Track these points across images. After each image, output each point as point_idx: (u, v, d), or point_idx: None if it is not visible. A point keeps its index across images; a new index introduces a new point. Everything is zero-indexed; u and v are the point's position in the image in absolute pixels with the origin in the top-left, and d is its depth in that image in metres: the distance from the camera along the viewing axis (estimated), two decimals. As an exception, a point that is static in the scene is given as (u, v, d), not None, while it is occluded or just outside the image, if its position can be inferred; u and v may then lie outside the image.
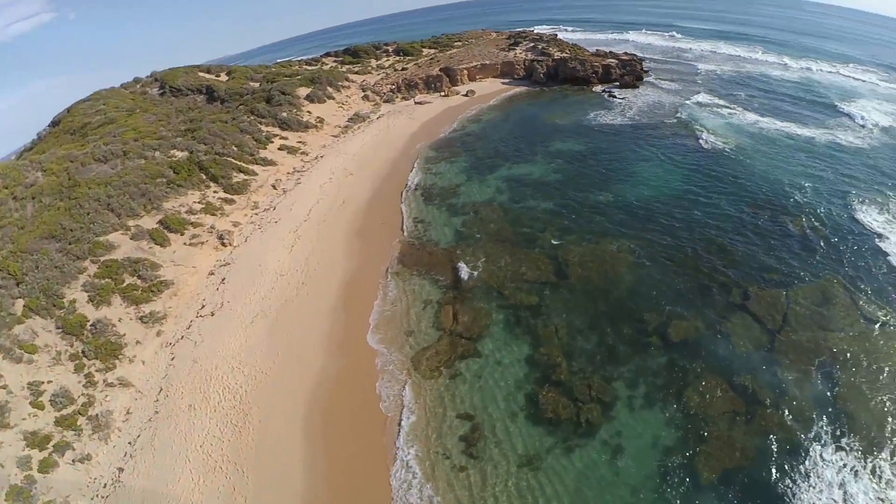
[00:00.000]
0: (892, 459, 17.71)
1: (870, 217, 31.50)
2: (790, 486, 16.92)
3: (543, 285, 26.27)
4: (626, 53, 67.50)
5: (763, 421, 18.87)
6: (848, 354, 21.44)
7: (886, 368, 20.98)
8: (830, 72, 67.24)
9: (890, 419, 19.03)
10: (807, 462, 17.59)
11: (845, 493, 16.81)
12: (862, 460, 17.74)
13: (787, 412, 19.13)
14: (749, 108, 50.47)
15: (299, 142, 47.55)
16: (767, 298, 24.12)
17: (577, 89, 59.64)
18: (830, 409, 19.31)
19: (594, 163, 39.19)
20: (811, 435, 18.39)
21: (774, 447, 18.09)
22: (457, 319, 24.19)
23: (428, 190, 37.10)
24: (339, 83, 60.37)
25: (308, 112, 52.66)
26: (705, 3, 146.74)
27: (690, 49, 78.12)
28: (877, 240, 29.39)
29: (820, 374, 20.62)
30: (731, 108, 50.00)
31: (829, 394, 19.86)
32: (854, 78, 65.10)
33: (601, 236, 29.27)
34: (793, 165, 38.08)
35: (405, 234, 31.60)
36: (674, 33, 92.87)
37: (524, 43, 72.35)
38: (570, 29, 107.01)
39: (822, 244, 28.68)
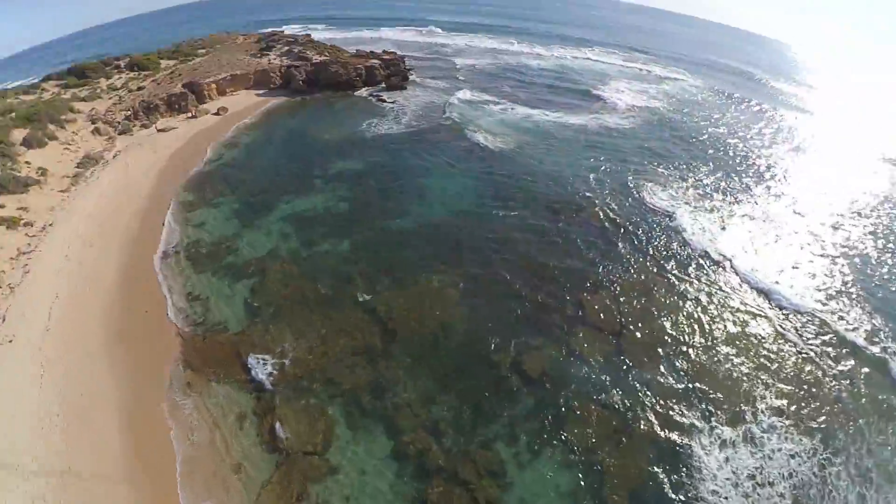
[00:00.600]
0: (756, 420, 20.49)
1: (656, 197, 36.36)
2: (689, 484, 17.95)
3: (373, 354, 22.55)
4: (387, 52, 65.37)
5: (641, 431, 19.62)
6: (684, 337, 24.18)
7: (719, 339, 24.43)
8: (579, 57, 77.64)
9: (739, 385, 22.05)
10: (692, 455, 18.91)
11: (734, 467, 18.70)
12: (735, 432, 19.93)
13: (658, 414, 20.32)
14: (518, 102, 54.48)
15: (20, 208, 32.96)
16: (598, 304, 25.66)
17: (341, 95, 55.49)
18: (691, 395, 21.21)
19: (380, 183, 36.53)
20: (686, 427, 19.92)
21: (662, 453, 18.96)
22: (287, 431, 18.94)
23: (193, 250, 29.08)
24: (63, 117, 44.53)
25: (27, 163, 37.09)
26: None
27: (449, 44, 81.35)
28: (668, 220, 34.80)
29: (669, 365, 22.55)
30: (500, 103, 52.79)
31: (684, 381, 21.85)
32: (601, 61, 76.20)
33: (414, 275, 27.17)
34: (574, 157, 43.19)
35: (178, 322, 22.91)
36: (432, 28, 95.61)
37: (278, 47, 65.14)
38: (321, 27, 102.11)
39: (623, 234, 32.26)
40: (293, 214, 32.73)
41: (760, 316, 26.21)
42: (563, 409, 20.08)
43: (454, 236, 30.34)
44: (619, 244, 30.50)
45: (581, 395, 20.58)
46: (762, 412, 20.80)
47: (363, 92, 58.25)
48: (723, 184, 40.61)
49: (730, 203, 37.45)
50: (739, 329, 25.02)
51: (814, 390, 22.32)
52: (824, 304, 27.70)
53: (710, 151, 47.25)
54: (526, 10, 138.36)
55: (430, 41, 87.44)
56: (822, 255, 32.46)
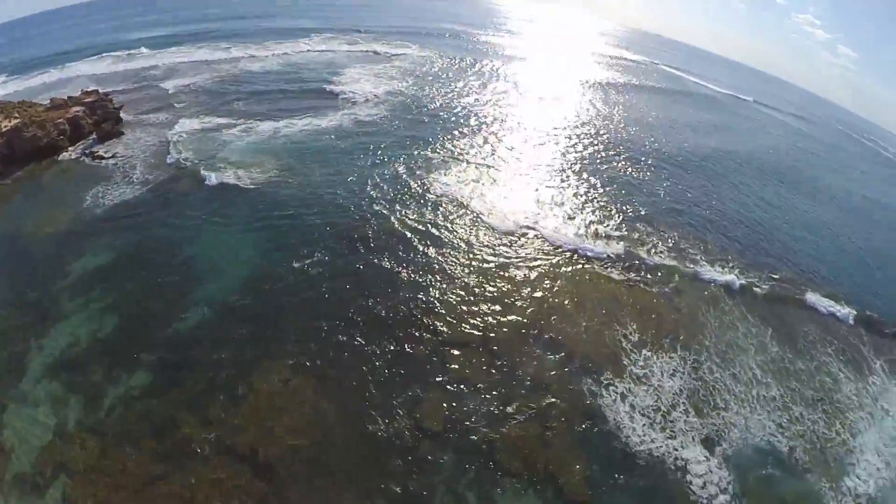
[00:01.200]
0: (632, 361, 23.56)
1: (440, 184, 38.53)
2: (619, 446, 19.86)
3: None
4: (87, 93, 52.09)
5: (560, 424, 20.54)
6: (541, 320, 25.63)
7: (567, 304, 27.06)
8: (301, 50, 74.23)
9: (602, 339, 24.96)
10: (608, 420, 20.87)
11: (641, 410, 21.33)
12: (623, 380, 22.55)
13: (565, 400, 21.52)
14: (257, 117, 50.05)
15: None
16: (450, 321, 25.14)
17: (48, 164, 41.79)
18: (577, 369, 22.97)
19: (142, 274, 28.21)
20: (587, 398, 21.60)
21: (586, 433, 20.31)
22: None
23: None
24: None
25: None
26: (153, 7, 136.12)
27: (156, 65, 68.52)
28: (464, 209, 36.06)
29: (545, 347, 24.06)
30: (237, 124, 47.04)
31: (563, 358, 23.51)
32: (326, 50, 73.53)
33: (245, 380, 22.06)
34: (343, 166, 42.97)
35: None
36: (141, 49, 78.79)
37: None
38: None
39: (431, 238, 31.84)
40: (55, 362, 23.06)
41: (586, 272, 30.50)
42: (484, 440, 19.71)
43: (260, 312, 25.75)
44: (433, 250, 31.11)
45: (487, 416, 20.58)
46: (631, 352, 24.55)
47: (73, 152, 44.34)
48: (495, 151, 45.96)
49: (514, 173, 42.64)
50: (579, 288, 28.64)
51: (654, 315, 27.37)
52: (620, 241, 33.88)
53: (463, 120, 52.83)
54: (228, 9, 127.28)
55: (134, 67, 72.07)
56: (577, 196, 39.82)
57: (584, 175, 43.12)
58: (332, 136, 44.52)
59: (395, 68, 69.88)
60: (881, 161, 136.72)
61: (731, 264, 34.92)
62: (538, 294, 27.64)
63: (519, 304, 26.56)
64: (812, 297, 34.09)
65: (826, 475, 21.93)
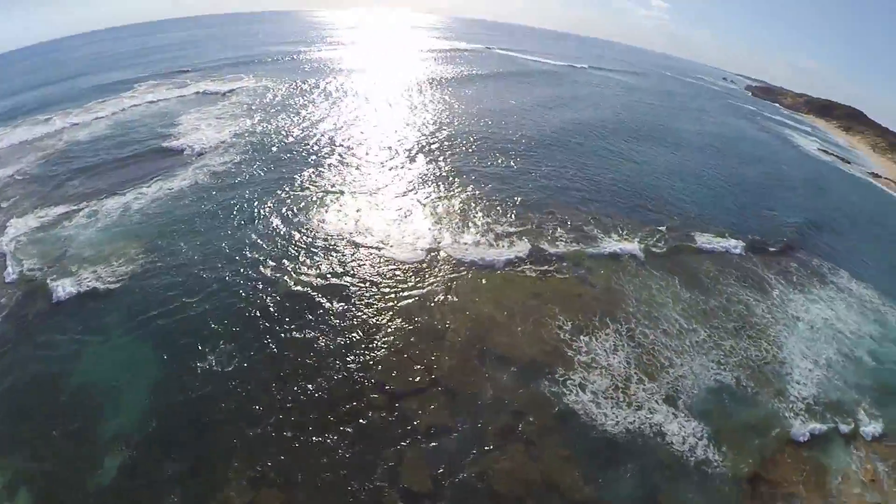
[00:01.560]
0: (575, 350, 26.00)
1: (326, 229, 39.67)
2: (597, 437, 21.80)
3: None
4: None
5: (534, 433, 21.96)
6: (442, 370, 28.12)
7: (512, 320, 29.54)
8: (128, 106, 68.99)
9: (543, 336, 27.20)
10: (578, 415, 22.95)
11: (603, 394, 23.65)
12: (564, 370, 24.96)
13: (534, 413, 23.14)
14: (101, 195, 44.81)
15: None
16: (378, 403, 26.72)
17: None
18: (528, 374, 24.82)
19: (23, 428, 23.65)
20: (553, 399, 23.59)
21: (567, 435, 21.88)
22: None
23: None
24: None
25: None
26: None
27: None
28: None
29: (495, 365, 25.76)
30: (79, 208, 41.63)
31: (512, 373, 25.43)
32: (154, 101, 69.65)
33: None
34: (214, 234, 38.83)
35: None
36: None
37: None
38: None
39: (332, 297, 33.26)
40: None
41: (500, 277, 32.72)
42: (478, 481, 20.16)
43: (187, 434, 22.69)
44: (343, 303, 30.54)
45: (468, 456, 21.05)
46: (571, 341, 26.84)
47: None
48: (367, 174, 46.84)
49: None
50: (500, 296, 30.41)
51: (576, 299, 30.29)
52: (521, 237, 37.11)
53: (325, 147, 52.60)
54: (37, 75, 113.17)
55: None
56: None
57: (462, 178, 45.42)
58: (191, 199, 41.35)
59: (234, 105, 67.30)
60: (710, 95, 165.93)
61: (624, 231, 39.42)
62: (466, 314, 28.55)
63: (451, 330, 27.15)
64: (702, 240, 40.34)
65: (773, 391, 26.33)
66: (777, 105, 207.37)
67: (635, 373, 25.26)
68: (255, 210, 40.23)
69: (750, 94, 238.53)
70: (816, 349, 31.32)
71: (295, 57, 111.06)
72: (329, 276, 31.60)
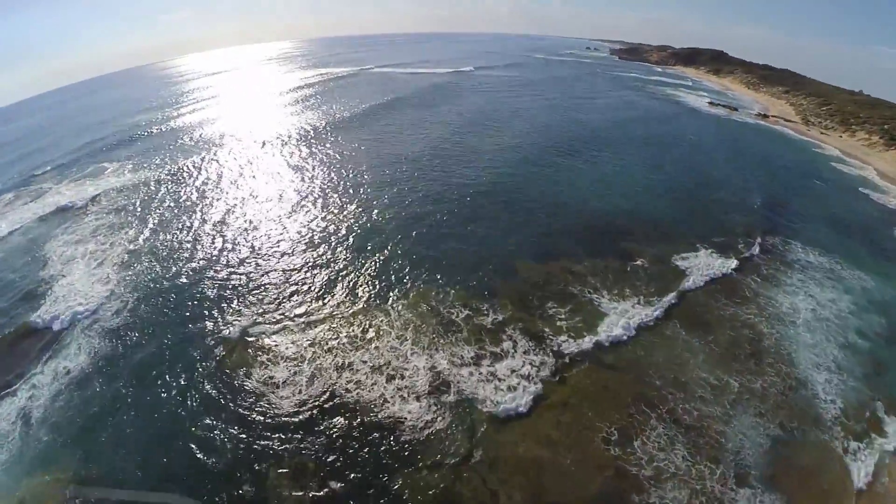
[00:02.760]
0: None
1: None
2: None
3: None
4: None
5: None
6: None
7: None
8: None
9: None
10: None
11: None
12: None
13: None
14: None
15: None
16: None
17: None
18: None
19: None
20: None
21: None
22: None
23: None
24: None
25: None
26: None
27: None
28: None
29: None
30: None
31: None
32: (13, 229, 58.34)
33: None
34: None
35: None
36: None
37: None
38: None
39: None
40: None
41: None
42: None
43: None
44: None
45: None
46: (627, 454, 24.45)
47: None
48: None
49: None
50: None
51: (606, 395, 28.12)
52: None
53: (236, 253, 45.55)
54: None
55: None
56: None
57: (412, 269, 39.21)
58: (100, 383, 33.89)
59: (107, 215, 57.07)
60: (589, 71, 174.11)
61: (608, 280, 37.49)
62: (506, 468, 24.51)
63: (503, 495, 23.18)
64: (681, 262, 40.10)
65: (810, 419, 27.28)
66: (648, 64, 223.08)
67: (703, 465, 23.45)
68: (180, 383, 33.42)
69: (617, 58, 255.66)
70: (821, 351, 32.54)
71: (156, 129, 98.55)
72: (313, 458, 25.15)
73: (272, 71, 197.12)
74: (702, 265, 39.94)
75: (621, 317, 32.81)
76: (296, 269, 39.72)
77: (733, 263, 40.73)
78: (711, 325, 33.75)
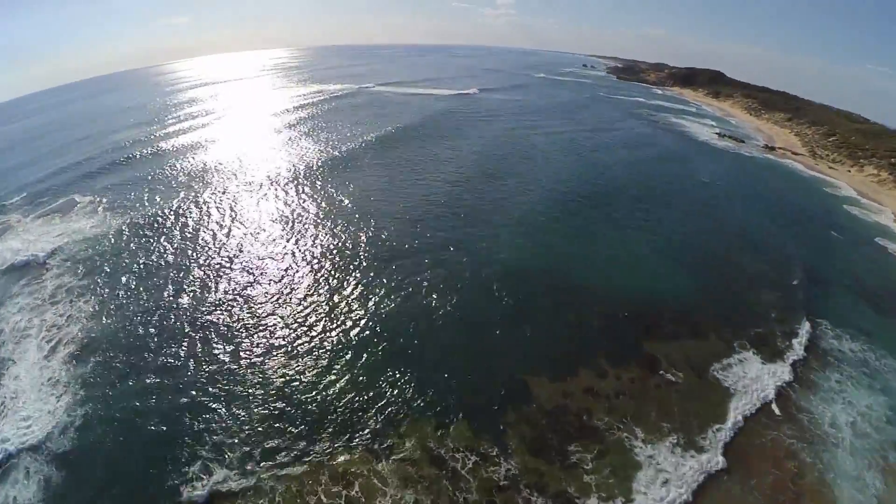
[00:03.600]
0: None
1: None
2: None
3: None
4: None
5: None
6: None
7: None
8: None
9: None
10: None
11: None
12: None
13: None
14: None
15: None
16: None
17: None
18: None
19: None
20: None
21: None
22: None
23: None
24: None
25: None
26: None
27: None
28: None
29: None
30: None
31: None
32: None
33: None
34: None
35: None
36: None
37: None
38: None
39: None
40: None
41: None
42: None
43: None
44: None
45: None
46: None
47: None
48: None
49: None
50: None
51: None
52: None
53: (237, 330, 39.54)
54: None
55: None
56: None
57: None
58: None
59: (68, 275, 49.45)
60: (589, 92, 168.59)
61: (636, 409, 31.02)
62: None
63: None
64: (731, 381, 33.26)
65: None
66: (646, 85, 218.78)
67: None
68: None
69: (615, 77, 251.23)
70: (862, 485, 26.71)
71: (138, 153, 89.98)
72: None
73: (267, 84, 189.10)
74: (748, 380, 33.29)
75: (658, 472, 26.16)
76: (275, 392, 31.98)
77: (785, 373, 34.35)
78: (753, 459, 27.75)
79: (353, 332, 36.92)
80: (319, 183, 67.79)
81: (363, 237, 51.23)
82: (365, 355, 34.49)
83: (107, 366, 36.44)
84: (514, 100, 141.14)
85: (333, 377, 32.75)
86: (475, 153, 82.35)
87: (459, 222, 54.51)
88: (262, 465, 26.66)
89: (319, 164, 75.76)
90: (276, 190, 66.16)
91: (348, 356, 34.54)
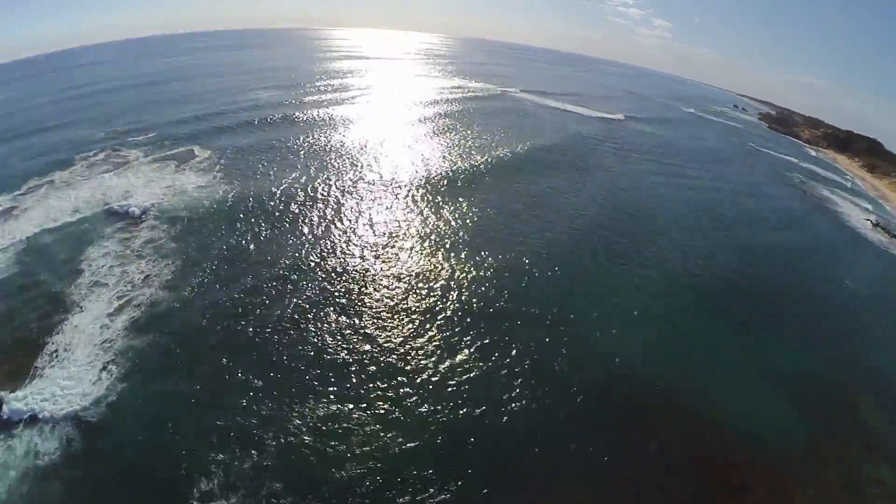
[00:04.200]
0: None
1: None
2: None
3: None
4: None
5: None
6: None
7: None
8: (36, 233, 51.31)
9: None
10: None
11: None
12: None
13: None
14: None
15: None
16: None
17: None
18: None
19: None
20: None
21: None
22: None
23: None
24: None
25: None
26: None
27: None
28: None
29: None
30: None
31: None
32: (55, 227, 51.85)
33: None
34: None
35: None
36: None
37: None
38: None
39: None
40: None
41: None
42: None
43: None
44: None
45: None
46: None
47: None
48: None
49: None
50: None
51: None
52: None
53: None
54: None
55: None
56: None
57: None
58: None
59: (161, 232, 48.09)
60: (740, 140, 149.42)
61: None
62: None
63: None
64: None
65: None
66: (799, 142, 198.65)
67: None
68: None
69: (766, 126, 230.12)
70: None
71: (271, 117, 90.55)
72: None
73: (409, 69, 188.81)
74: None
75: None
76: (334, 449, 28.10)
77: None
78: None
79: (407, 400, 31.11)
80: (434, 195, 60.62)
81: (457, 275, 44.39)
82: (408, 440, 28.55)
83: (163, 347, 34.35)
84: (659, 135, 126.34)
85: (396, 450, 27.46)
86: (601, 196, 70.48)
87: (564, 287, 45.16)
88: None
89: (440, 172, 68.38)
90: (387, 192, 60.61)
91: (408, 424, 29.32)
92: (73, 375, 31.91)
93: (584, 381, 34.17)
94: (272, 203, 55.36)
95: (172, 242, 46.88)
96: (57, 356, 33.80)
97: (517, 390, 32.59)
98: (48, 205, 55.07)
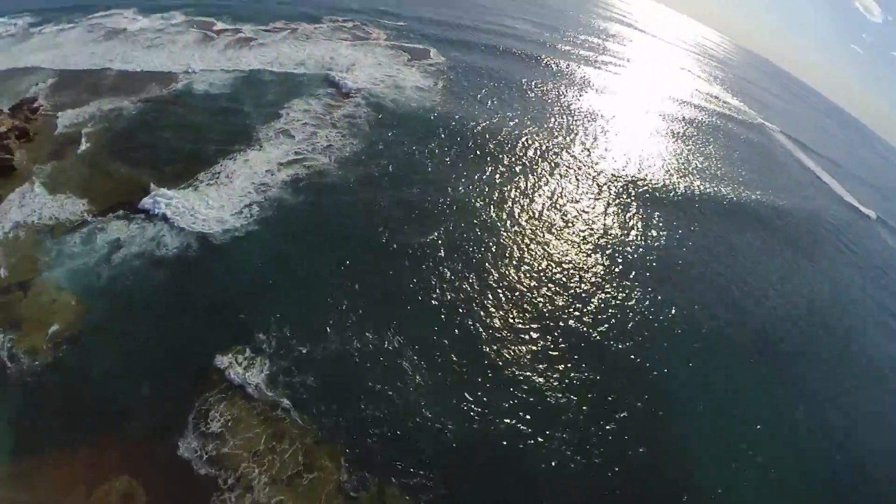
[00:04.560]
0: None
1: None
2: None
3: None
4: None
5: None
6: None
7: None
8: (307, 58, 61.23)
9: None
10: None
11: None
12: None
13: None
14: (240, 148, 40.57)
15: None
16: None
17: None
18: None
19: None
20: None
21: None
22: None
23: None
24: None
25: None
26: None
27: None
28: None
29: None
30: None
31: None
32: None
33: None
34: None
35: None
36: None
37: None
38: None
39: None
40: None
41: None
42: None
43: None
44: None
45: None
46: None
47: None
48: None
49: None
50: None
51: None
52: None
53: None
54: None
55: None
56: None
57: None
58: None
59: (347, 128, 47.61)
60: None
61: None
62: None
63: None
64: None
65: None
66: None
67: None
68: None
69: None
70: None
71: (521, 51, 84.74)
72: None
73: (677, 60, 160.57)
74: None
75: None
76: None
77: None
78: None
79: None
80: (631, 198, 50.33)
81: (619, 302, 36.65)
82: None
83: (304, 214, 35.89)
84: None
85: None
86: (774, 317, 43.44)
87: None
88: None
89: (650, 177, 56.19)
90: (586, 171, 52.31)
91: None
92: (222, 200, 34.77)
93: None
94: (472, 133, 52.19)
95: (367, 127, 47.62)
96: (218, 178, 36.82)
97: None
98: (281, 50, 60.00)
